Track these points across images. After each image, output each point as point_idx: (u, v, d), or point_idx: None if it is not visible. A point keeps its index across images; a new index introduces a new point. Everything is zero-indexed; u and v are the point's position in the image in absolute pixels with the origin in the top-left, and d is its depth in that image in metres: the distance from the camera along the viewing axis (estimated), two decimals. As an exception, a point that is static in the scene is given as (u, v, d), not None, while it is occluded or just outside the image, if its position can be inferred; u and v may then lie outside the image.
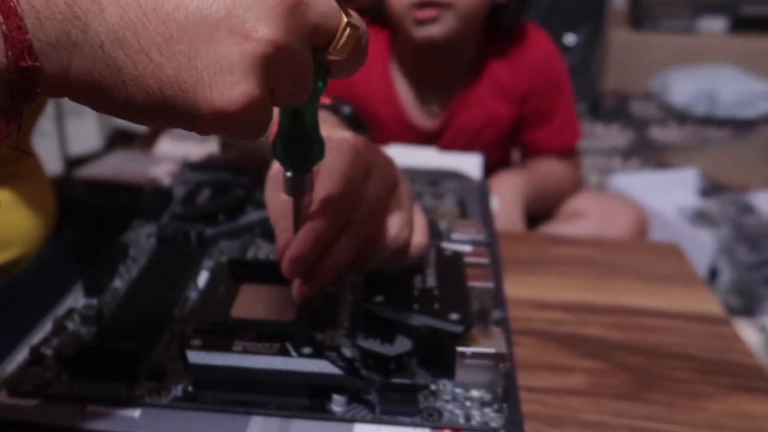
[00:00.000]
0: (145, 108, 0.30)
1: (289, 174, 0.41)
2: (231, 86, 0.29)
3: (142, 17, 0.28)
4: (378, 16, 1.07)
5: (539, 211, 1.13)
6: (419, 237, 0.49)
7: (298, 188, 0.41)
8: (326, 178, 0.44)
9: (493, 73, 1.09)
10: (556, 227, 1.13)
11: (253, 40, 0.29)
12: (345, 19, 0.32)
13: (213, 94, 0.29)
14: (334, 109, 0.54)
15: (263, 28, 0.29)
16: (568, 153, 1.19)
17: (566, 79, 1.17)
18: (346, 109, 0.54)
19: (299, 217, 0.42)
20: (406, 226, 0.47)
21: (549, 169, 1.17)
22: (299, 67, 0.32)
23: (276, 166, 0.49)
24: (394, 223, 0.47)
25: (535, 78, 1.10)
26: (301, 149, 0.40)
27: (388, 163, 0.49)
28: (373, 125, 1.13)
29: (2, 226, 0.56)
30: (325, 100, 0.54)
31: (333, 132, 0.48)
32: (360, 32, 0.33)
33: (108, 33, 0.28)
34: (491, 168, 1.18)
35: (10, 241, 0.56)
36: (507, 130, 1.14)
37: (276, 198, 0.47)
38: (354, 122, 0.54)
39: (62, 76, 0.28)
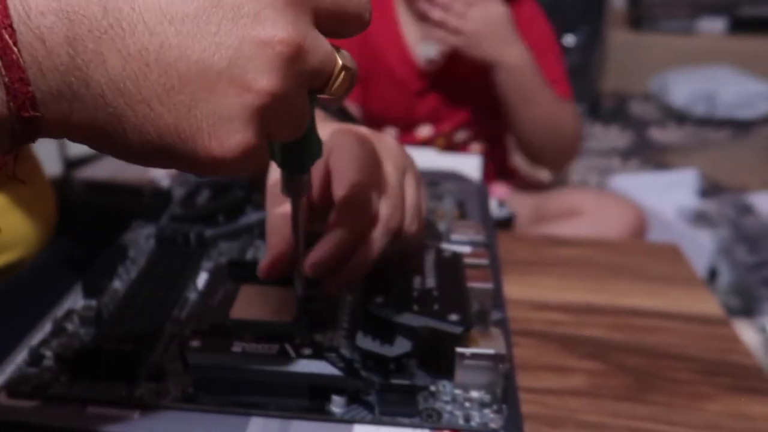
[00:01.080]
0: (145, 153, 0.30)
1: (287, 175, 0.40)
2: (229, 135, 0.30)
3: (144, 68, 0.28)
4: None
5: (525, 104, 1.13)
6: (422, 226, 0.49)
7: (297, 189, 0.40)
8: (341, 176, 0.44)
9: None
10: (554, 225, 1.14)
11: (252, 91, 0.29)
12: (340, 63, 0.33)
13: (212, 143, 0.29)
14: (321, 106, 0.53)
15: (263, 79, 0.29)
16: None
17: (553, 42, 1.22)
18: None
19: (298, 219, 0.42)
20: (416, 216, 0.47)
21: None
22: (297, 111, 0.32)
23: (273, 176, 0.48)
24: (407, 216, 0.46)
25: (525, 35, 1.14)
26: (298, 149, 0.39)
27: (396, 144, 0.48)
28: (379, 68, 1.16)
29: (2, 228, 0.56)
30: None
31: (332, 125, 0.47)
32: (352, 72, 0.33)
33: (109, 83, 0.28)
34: (495, 133, 1.21)
35: (11, 244, 0.56)
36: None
37: (274, 210, 0.47)
38: (342, 115, 0.54)
39: (63, 123, 0.29)
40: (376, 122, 1.21)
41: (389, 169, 0.46)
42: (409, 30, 1.16)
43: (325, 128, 0.46)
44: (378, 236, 0.44)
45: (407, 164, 0.48)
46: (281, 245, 0.45)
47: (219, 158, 0.30)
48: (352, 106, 1.19)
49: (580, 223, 1.13)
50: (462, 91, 1.19)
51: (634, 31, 3.10)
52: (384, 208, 0.45)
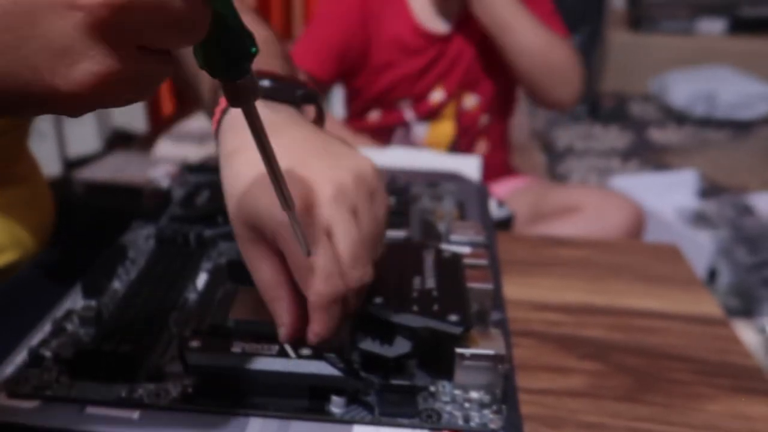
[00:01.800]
0: (6, 103, 0.27)
1: (225, 83, 0.33)
2: (71, 67, 0.26)
3: None
4: None
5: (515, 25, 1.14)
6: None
7: (242, 95, 0.34)
8: (339, 242, 0.40)
9: None
10: (553, 223, 1.14)
11: (76, 7, 0.25)
12: None
13: (55, 80, 0.26)
14: (288, 89, 0.47)
15: None
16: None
17: None
18: (299, 91, 0.48)
19: (263, 140, 0.35)
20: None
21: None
22: (167, 12, 0.27)
23: (237, 221, 0.42)
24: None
25: None
26: (228, 49, 0.32)
27: (369, 164, 0.43)
28: (383, 35, 1.19)
29: (1, 229, 0.56)
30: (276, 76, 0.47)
31: (301, 164, 0.41)
32: None
33: None
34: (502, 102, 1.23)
35: (9, 244, 0.56)
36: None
37: (258, 267, 0.41)
38: (309, 99, 0.48)
39: None
40: (386, 94, 1.22)
41: (363, 223, 0.41)
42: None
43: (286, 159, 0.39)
44: (369, 280, 0.41)
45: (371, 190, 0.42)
46: (290, 312, 0.41)
47: (70, 94, 0.26)
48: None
49: (579, 220, 1.13)
50: (470, 55, 1.21)
51: (633, 31, 3.10)
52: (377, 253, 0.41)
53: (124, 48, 0.27)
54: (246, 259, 0.42)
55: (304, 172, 0.41)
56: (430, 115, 1.23)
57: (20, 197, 0.59)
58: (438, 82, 1.22)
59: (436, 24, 1.20)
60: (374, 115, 1.26)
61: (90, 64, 0.26)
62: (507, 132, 1.33)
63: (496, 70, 1.22)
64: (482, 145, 1.27)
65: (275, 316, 0.41)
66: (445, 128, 1.25)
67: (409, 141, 1.25)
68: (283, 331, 0.41)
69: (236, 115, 0.44)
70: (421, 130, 1.25)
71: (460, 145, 1.26)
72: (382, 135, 1.26)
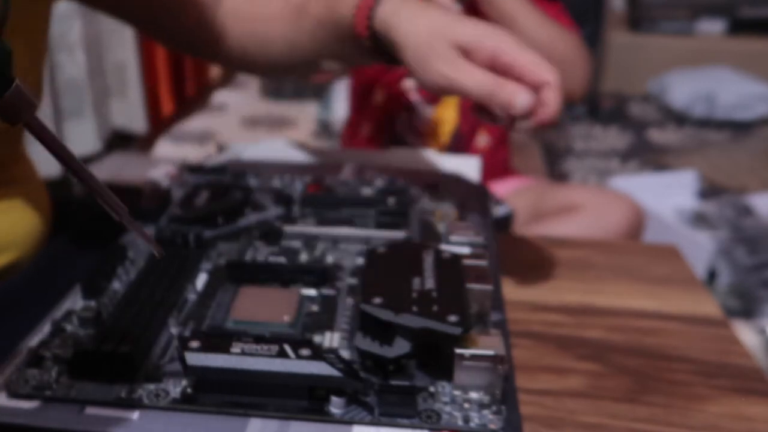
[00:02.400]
0: None
1: None
2: None
3: None
4: None
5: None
6: None
7: (12, 111, 0.29)
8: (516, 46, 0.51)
9: None
10: (552, 222, 1.14)
11: None
12: None
13: None
14: None
15: None
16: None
17: None
18: None
19: (57, 146, 0.33)
20: None
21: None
22: None
23: (444, 44, 0.53)
24: None
25: None
26: None
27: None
28: None
29: None
30: None
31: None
32: None
33: None
34: None
35: (5, 246, 0.56)
36: None
37: (473, 72, 0.51)
38: None
39: None
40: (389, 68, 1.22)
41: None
42: None
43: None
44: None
45: None
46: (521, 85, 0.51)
47: None
48: None
49: (579, 220, 1.13)
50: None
51: (633, 32, 3.10)
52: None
53: None
54: (459, 73, 0.52)
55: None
56: (435, 97, 1.22)
57: (16, 199, 0.59)
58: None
59: None
60: (378, 97, 1.26)
61: None
62: (508, 131, 1.32)
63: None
64: (483, 139, 1.26)
65: (508, 89, 0.50)
66: (449, 113, 1.24)
67: (412, 126, 1.25)
68: (525, 94, 0.50)
69: (386, 6, 0.55)
70: (425, 113, 1.24)
71: (462, 133, 1.25)
72: (385, 120, 1.26)
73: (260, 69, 0.74)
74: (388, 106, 1.26)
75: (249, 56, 0.69)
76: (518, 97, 0.49)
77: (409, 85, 1.24)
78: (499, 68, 0.52)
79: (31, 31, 0.56)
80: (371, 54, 0.59)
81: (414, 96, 1.24)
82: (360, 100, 1.29)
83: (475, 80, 0.51)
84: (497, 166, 1.28)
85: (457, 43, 0.52)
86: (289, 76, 0.79)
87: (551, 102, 0.51)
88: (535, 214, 1.20)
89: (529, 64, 0.51)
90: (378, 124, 1.26)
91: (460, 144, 1.25)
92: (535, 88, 0.51)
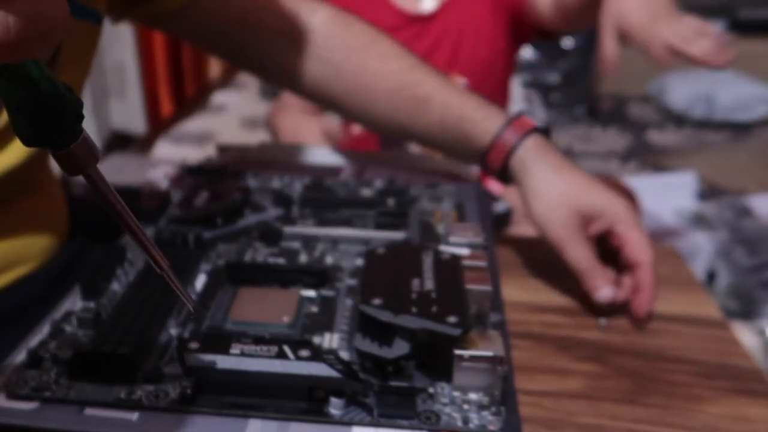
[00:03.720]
0: None
1: (56, 151, 0.29)
2: None
3: None
4: None
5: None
6: None
7: (77, 162, 0.30)
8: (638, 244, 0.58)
9: None
10: None
11: None
12: None
13: None
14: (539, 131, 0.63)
15: None
16: None
17: None
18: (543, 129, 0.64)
19: (119, 208, 0.33)
20: None
21: None
22: None
23: (569, 212, 0.60)
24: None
25: None
26: (49, 118, 0.28)
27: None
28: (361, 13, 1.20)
29: (18, 243, 0.56)
30: (529, 123, 0.63)
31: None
32: None
33: None
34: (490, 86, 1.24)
35: (25, 258, 0.56)
36: (499, 32, 1.20)
37: (583, 247, 0.59)
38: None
39: None
40: None
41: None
42: None
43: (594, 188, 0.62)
44: None
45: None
46: (610, 279, 0.58)
47: None
48: None
49: None
50: (454, 36, 1.21)
51: (632, 33, 3.10)
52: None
53: None
54: (568, 243, 0.59)
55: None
56: None
57: (37, 210, 0.58)
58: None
59: (413, 4, 1.20)
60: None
61: None
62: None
63: (482, 53, 1.22)
64: None
65: (595, 282, 0.58)
66: None
67: None
68: (607, 290, 0.57)
69: (525, 152, 0.62)
70: None
71: None
72: None
73: (351, 116, 0.74)
74: None
75: (338, 101, 0.70)
76: (599, 292, 0.58)
77: None
78: (612, 236, 0.59)
79: (83, 55, 0.56)
80: (488, 171, 0.66)
81: None
82: None
83: (577, 256, 0.58)
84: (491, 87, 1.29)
85: (580, 211, 0.59)
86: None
87: (644, 283, 0.57)
88: None
89: (634, 243, 0.58)
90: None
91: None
92: (632, 265, 0.58)
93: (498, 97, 1.30)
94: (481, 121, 0.64)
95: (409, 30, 1.20)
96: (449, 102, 0.65)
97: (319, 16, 0.68)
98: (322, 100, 0.71)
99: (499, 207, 0.95)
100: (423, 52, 1.21)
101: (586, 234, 0.59)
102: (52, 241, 0.59)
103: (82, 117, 0.29)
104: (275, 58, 0.69)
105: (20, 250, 0.56)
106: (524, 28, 1.21)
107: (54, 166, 0.63)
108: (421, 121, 0.67)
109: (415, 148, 1.21)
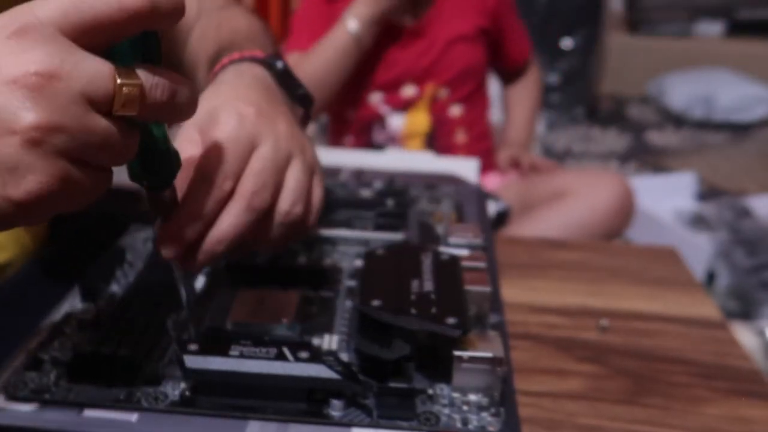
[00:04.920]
0: None
1: (150, 192, 0.39)
2: (21, 180, 0.31)
3: None
4: None
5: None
6: (312, 216, 0.46)
7: (163, 206, 0.40)
8: (202, 147, 0.43)
9: None
10: (543, 209, 1.17)
11: (18, 132, 0.30)
12: (118, 80, 0.32)
13: (7, 191, 0.31)
14: (267, 64, 0.51)
15: (23, 118, 0.30)
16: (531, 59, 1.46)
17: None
18: (279, 64, 0.51)
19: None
20: (300, 201, 0.45)
21: (526, 92, 1.46)
22: (93, 135, 0.32)
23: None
24: (287, 197, 0.44)
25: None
26: (158, 166, 0.38)
27: (284, 132, 0.45)
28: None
29: None
30: (259, 53, 0.51)
31: (227, 100, 0.46)
32: (140, 89, 0.33)
33: None
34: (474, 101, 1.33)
35: (6, 242, 0.56)
36: (476, 48, 1.31)
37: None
38: (286, 79, 0.52)
39: None
40: (355, 86, 1.26)
41: (264, 149, 0.44)
42: None
43: (212, 101, 0.46)
44: (235, 211, 0.42)
45: (293, 149, 0.45)
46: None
47: (24, 202, 0.31)
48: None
49: (570, 203, 1.17)
50: (437, 50, 1.27)
51: (632, 34, 3.11)
52: (246, 184, 0.43)
53: (62, 162, 0.32)
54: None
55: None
56: (405, 106, 1.29)
57: None
58: (406, 75, 1.27)
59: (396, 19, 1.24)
60: (350, 113, 1.31)
61: (35, 176, 0.31)
62: (486, 123, 1.38)
63: (463, 65, 1.29)
64: (461, 136, 1.31)
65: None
66: (421, 118, 1.29)
67: (386, 134, 1.28)
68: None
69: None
70: (397, 121, 1.29)
71: (438, 135, 1.30)
72: (363, 131, 1.31)
73: None
74: (362, 120, 1.31)
75: None
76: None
77: (376, 99, 1.29)
78: None
79: None
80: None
81: (382, 108, 1.29)
82: (336, 116, 1.34)
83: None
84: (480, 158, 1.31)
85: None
86: None
87: None
88: (526, 204, 1.23)
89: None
90: (356, 136, 1.32)
91: (438, 144, 1.29)
92: None
93: (479, 94, 1.34)
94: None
95: (391, 39, 1.25)
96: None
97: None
98: None
99: (497, 207, 0.95)
100: (404, 60, 1.26)
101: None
102: (31, 230, 0.59)
103: (179, 167, 0.40)
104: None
105: (1, 235, 0.56)
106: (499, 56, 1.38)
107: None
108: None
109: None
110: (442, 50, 1.28)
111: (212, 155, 0.42)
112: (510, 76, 1.46)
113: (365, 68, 1.25)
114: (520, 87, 1.46)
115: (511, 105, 1.47)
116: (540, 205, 1.20)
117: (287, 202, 0.44)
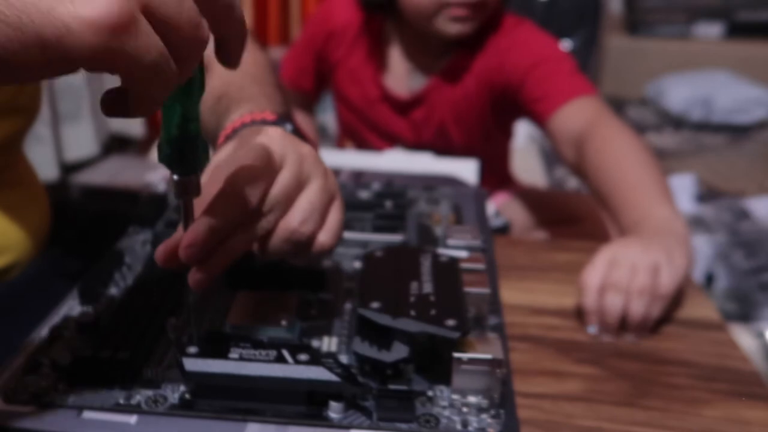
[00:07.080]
0: (15, 49, 0.28)
1: (175, 177, 0.40)
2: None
3: None
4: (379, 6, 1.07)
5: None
6: (325, 236, 0.46)
7: (186, 191, 0.40)
8: (227, 170, 0.43)
9: (469, 54, 1.08)
10: (551, 232, 1.14)
11: None
12: None
13: (75, 5, 0.28)
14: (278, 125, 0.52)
15: None
16: (589, 98, 1.00)
17: (550, 54, 1.05)
18: (289, 128, 0.52)
19: (189, 218, 0.41)
20: (312, 220, 0.45)
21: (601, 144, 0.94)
22: (184, 17, 0.31)
23: (216, 159, 0.48)
24: (297, 215, 0.45)
25: (505, 60, 1.04)
26: (187, 151, 0.39)
27: (308, 155, 0.47)
28: (349, 93, 1.16)
29: None
30: (269, 116, 0.53)
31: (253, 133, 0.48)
32: None
33: None
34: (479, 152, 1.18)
35: (5, 247, 0.56)
36: (479, 111, 1.10)
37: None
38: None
39: None
40: (352, 127, 1.21)
41: (286, 173, 0.45)
42: (389, 63, 1.13)
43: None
44: (248, 233, 0.43)
45: (313, 172, 0.46)
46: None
47: (90, 22, 0.28)
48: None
49: (578, 229, 1.13)
50: (439, 118, 1.14)
51: (630, 36, 3.10)
52: (266, 206, 0.44)
53: (140, 16, 0.29)
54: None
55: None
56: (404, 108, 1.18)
57: (16, 200, 0.59)
58: (402, 142, 1.17)
59: (400, 84, 1.14)
60: (350, 144, 1.25)
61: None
62: (498, 156, 1.26)
63: (468, 127, 1.12)
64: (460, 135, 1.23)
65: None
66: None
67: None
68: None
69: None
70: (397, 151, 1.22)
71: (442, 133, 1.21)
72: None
73: None
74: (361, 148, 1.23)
75: None
76: None
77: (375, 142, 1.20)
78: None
79: None
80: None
81: (379, 145, 1.20)
82: (345, 128, 1.28)
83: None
84: (492, 181, 1.24)
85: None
86: None
87: None
88: (534, 225, 1.20)
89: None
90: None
91: (442, 144, 1.22)
92: None
93: (499, 157, 1.24)
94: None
95: (394, 106, 1.15)
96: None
97: None
98: None
99: (496, 222, 0.94)
100: (408, 127, 1.17)
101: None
102: (32, 233, 0.59)
103: (207, 160, 0.41)
104: None
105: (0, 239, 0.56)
106: (515, 109, 1.06)
107: (39, 164, 0.63)
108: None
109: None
110: (445, 115, 1.12)
111: (240, 170, 0.43)
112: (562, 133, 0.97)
113: (361, 128, 1.18)
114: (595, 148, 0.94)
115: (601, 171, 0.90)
116: (548, 229, 1.15)
117: (296, 220, 0.44)
